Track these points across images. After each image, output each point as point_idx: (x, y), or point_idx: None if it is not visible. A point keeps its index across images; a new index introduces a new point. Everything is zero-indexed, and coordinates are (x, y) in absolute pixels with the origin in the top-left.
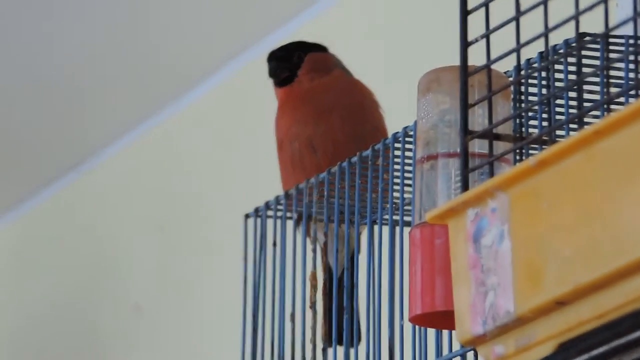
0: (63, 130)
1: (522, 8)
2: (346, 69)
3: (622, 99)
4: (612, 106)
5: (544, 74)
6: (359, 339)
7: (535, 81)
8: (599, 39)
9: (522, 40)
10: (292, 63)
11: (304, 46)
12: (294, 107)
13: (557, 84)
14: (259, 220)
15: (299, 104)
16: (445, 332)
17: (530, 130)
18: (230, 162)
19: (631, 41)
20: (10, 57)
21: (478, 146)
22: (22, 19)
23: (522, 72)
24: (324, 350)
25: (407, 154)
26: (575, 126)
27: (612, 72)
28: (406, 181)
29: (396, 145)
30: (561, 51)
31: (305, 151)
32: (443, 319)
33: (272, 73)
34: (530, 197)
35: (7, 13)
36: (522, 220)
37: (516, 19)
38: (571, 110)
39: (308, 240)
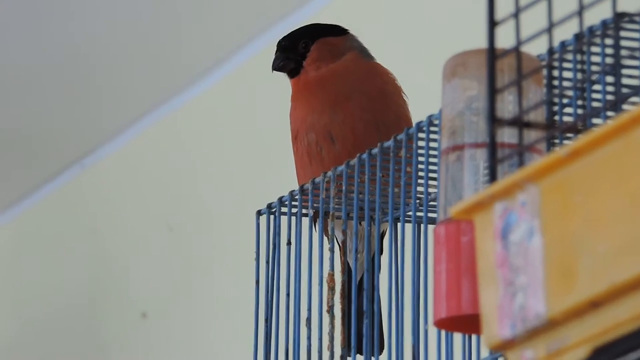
0: (66, 124)
1: None
2: (367, 51)
3: None
4: None
5: (578, 56)
6: (381, 347)
7: (569, 64)
8: (638, 19)
9: (555, 19)
10: (297, 52)
11: (315, 31)
12: (306, 98)
13: (593, 67)
14: (272, 217)
15: (309, 93)
16: (473, 337)
17: (564, 117)
18: (241, 156)
19: None
20: (11, 52)
21: (507, 135)
22: (25, 13)
23: (555, 55)
24: (343, 359)
25: (432, 144)
26: (612, 113)
27: None
28: (431, 174)
29: (420, 135)
30: (598, 32)
31: (323, 142)
32: (470, 323)
33: (275, 65)
34: (563, 190)
35: (14, 6)
36: (554, 214)
37: None
38: (608, 96)
39: (325, 239)
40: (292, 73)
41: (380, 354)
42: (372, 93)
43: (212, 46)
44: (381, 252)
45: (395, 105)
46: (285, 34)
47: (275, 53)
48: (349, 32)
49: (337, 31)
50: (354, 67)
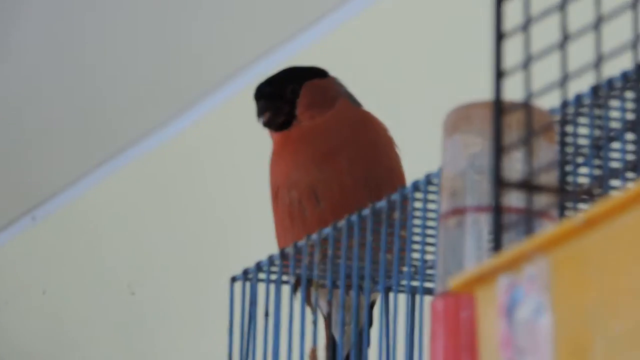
0: (17, 173)
1: (570, 31)
2: (351, 95)
3: None
4: None
5: (596, 111)
6: None
7: (585, 120)
8: None
9: (570, 70)
10: (285, 100)
11: (297, 74)
12: (293, 151)
13: (612, 123)
14: (248, 284)
15: (299, 146)
16: None
17: (579, 179)
18: (213, 213)
19: None
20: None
21: (515, 199)
22: (36, 19)
23: (570, 109)
24: None
25: (430, 206)
26: (633, 175)
27: None
28: (428, 240)
29: (416, 195)
30: (617, 84)
31: (306, 201)
32: None
33: (266, 119)
34: (577, 263)
35: (26, 9)
36: (566, 290)
37: (562, 44)
38: (628, 156)
39: (308, 310)
40: (280, 125)
41: None
42: (363, 146)
43: (164, 103)
44: (370, 326)
45: (387, 158)
46: (262, 81)
47: (258, 101)
48: (329, 75)
49: (319, 73)
50: (346, 117)
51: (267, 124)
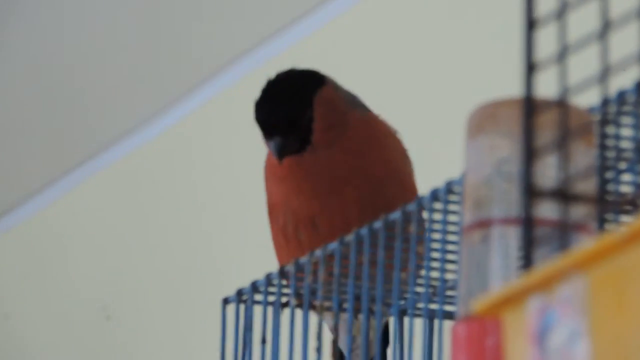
0: None
1: (612, 18)
2: (353, 97)
3: None
4: None
5: None
6: None
7: (629, 120)
8: None
9: (612, 62)
10: (301, 128)
11: (298, 86)
12: (299, 177)
13: None
14: (242, 307)
15: (307, 175)
16: None
17: (621, 187)
18: (203, 225)
19: None
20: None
21: (548, 210)
22: (26, 14)
23: (612, 108)
24: None
25: (451, 218)
26: None
27: None
28: (448, 256)
29: (435, 206)
30: None
31: (303, 228)
32: None
33: (281, 150)
34: (618, 282)
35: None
36: (605, 313)
37: (603, 33)
38: None
39: (310, 336)
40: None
41: None
42: (375, 167)
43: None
44: (386, 348)
45: (398, 173)
46: (267, 105)
47: (273, 131)
48: (326, 78)
49: (317, 78)
50: (359, 138)
51: (281, 155)
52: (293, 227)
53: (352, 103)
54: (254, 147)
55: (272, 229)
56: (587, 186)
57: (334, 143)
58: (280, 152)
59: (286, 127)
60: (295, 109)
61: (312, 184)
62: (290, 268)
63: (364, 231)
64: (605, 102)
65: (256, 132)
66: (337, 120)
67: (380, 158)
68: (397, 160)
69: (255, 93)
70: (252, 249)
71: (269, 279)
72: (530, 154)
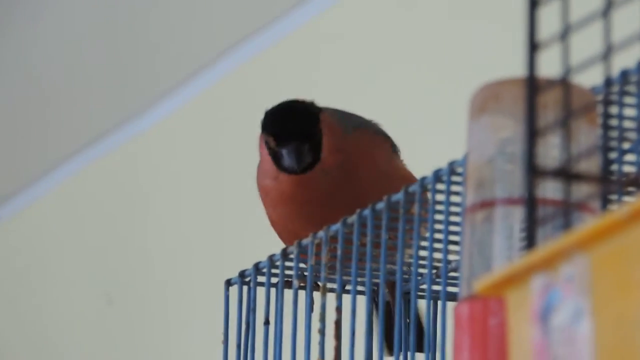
0: None
1: None
2: (343, 117)
3: None
4: None
5: None
6: None
7: (632, 100)
8: None
9: (615, 41)
10: (315, 138)
11: (303, 104)
12: (301, 202)
13: None
14: (245, 288)
15: (312, 200)
16: None
17: (624, 167)
18: (205, 207)
19: None
20: None
21: (551, 189)
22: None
23: (615, 87)
24: None
25: (454, 199)
26: None
27: None
28: (451, 237)
29: (438, 187)
30: None
31: (294, 237)
32: None
33: (299, 156)
34: (621, 261)
35: None
36: (609, 292)
37: (606, 12)
38: None
39: (314, 317)
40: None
41: None
42: (367, 189)
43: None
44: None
45: (390, 178)
46: (281, 119)
47: (289, 143)
48: (317, 106)
49: (313, 105)
50: (354, 164)
51: (299, 162)
52: (287, 230)
53: (346, 129)
54: (255, 132)
55: (268, 215)
56: (590, 166)
57: (340, 167)
58: (298, 158)
59: (302, 135)
60: (308, 121)
61: (308, 210)
62: (293, 250)
63: (367, 212)
64: (609, 82)
65: (254, 118)
66: (340, 145)
67: (373, 178)
68: (383, 165)
69: (249, 83)
70: (254, 231)
71: (272, 260)
72: (533, 134)
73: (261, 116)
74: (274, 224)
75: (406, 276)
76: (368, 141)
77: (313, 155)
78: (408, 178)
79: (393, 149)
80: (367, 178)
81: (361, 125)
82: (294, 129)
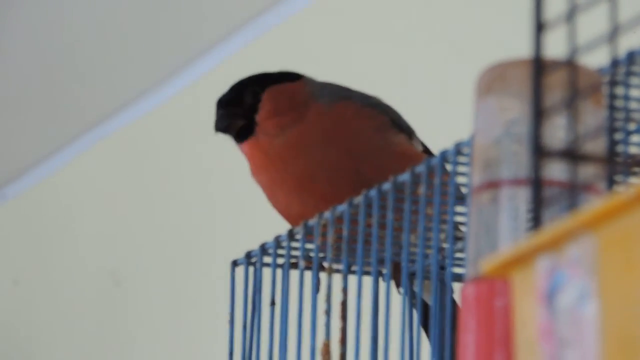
0: None
1: None
2: (330, 91)
3: None
4: None
5: None
6: None
7: (638, 81)
8: None
9: (621, 21)
10: (244, 106)
11: (263, 79)
12: (266, 169)
13: None
14: (251, 269)
15: (271, 169)
16: None
17: (630, 148)
18: (211, 189)
19: None
20: None
21: (557, 170)
22: None
23: (621, 68)
24: None
25: (460, 180)
26: None
27: None
28: (457, 218)
29: (445, 167)
30: None
31: (290, 221)
32: None
33: (220, 126)
34: (627, 242)
35: None
36: (615, 273)
37: None
38: None
39: (319, 298)
40: (242, 134)
41: None
42: (343, 157)
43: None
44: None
45: (375, 156)
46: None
47: (217, 112)
48: (304, 77)
49: (289, 77)
50: (318, 129)
51: (222, 130)
52: (284, 212)
53: (322, 97)
54: None
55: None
56: (596, 147)
57: (286, 130)
58: (218, 126)
59: (226, 103)
60: (244, 91)
61: (280, 182)
62: (299, 230)
63: (373, 193)
64: (615, 63)
65: None
66: (289, 108)
67: (348, 147)
68: (371, 138)
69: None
70: (260, 211)
71: (277, 241)
72: (539, 114)
73: None
74: (268, 198)
75: (413, 257)
76: (352, 112)
77: (246, 118)
78: (410, 155)
79: (392, 124)
80: (349, 148)
81: (351, 98)
82: (223, 97)
